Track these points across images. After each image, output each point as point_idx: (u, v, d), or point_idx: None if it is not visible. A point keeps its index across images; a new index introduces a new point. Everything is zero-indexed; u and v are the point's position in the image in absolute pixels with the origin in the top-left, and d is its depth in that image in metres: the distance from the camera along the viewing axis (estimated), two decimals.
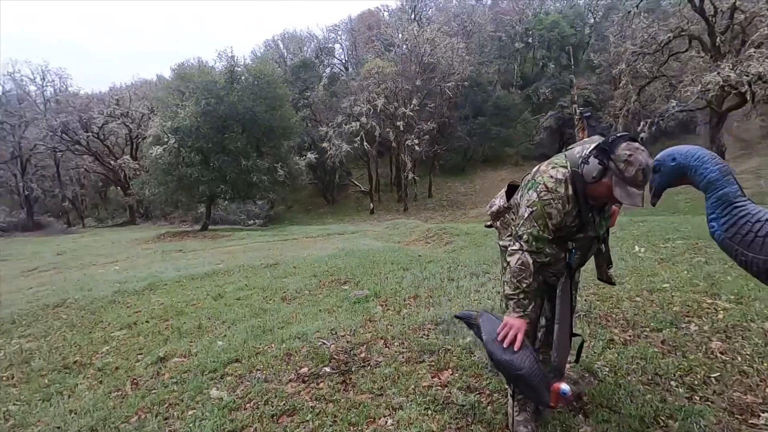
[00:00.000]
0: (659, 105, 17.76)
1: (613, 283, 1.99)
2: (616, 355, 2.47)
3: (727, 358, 2.34)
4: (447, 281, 4.35)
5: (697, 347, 2.48)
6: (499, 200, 1.99)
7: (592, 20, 32.69)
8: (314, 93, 27.15)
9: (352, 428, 2.02)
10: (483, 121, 27.27)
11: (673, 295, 3.29)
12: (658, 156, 1.50)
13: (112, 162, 26.18)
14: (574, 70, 29.53)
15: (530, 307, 1.73)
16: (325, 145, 24.13)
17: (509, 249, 1.75)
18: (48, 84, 29.49)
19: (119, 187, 27.41)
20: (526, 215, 1.69)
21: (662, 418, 1.88)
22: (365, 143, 24.44)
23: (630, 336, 2.71)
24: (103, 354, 3.40)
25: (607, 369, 2.34)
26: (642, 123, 15.85)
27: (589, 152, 1.64)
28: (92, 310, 4.81)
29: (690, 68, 15.42)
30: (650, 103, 18.47)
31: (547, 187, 1.66)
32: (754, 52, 11.68)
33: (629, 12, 17.18)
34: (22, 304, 5.34)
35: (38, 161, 27.34)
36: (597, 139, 1.75)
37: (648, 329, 2.78)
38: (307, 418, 2.12)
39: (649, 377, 2.22)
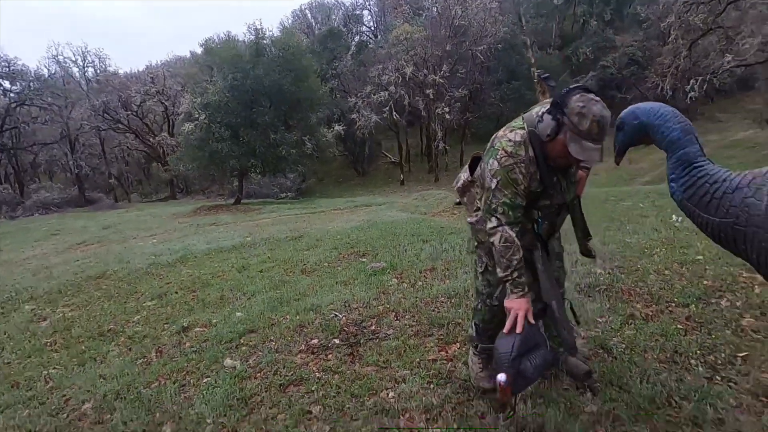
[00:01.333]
0: (713, 60, 16.23)
1: (593, 257, 1.90)
2: (635, 331, 2.36)
3: (759, 337, 2.17)
4: (466, 254, 4.26)
5: (725, 324, 2.32)
6: (463, 174, 1.89)
7: None
8: (342, 63, 26.70)
9: (354, 399, 2.04)
10: (517, 85, 26.04)
11: (706, 269, 3.08)
12: (621, 114, 1.45)
13: (151, 139, 27.22)
14: (619, 26, 27.41)
15: (527, 283, 1.64)
16: (354, 116, 23.92)
17: (488, 229, 1.65)
18: (89, 65, 30.64)
19: (160, 164, 28.58)
20: (493, 186, 1.60)
21: (676, 398, 1.78)
22: (394, 113, 24.00)
23: (653, 311, 2.57)
24: (134, 323, 3.61)
25: (624, 346, 2.23)
26: (692, 81, 14.60)
27: (544, 109, 1.56)
28: (129, 281, 5.09)
29: (750, 17, 13.89)
30: (703, 59, 16.93)
31: (506, 151, 1.58)
32: None
33: None
34: (69, 276, 5.73)
35: (85, 140, 28.74)
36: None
37: (673, 304, 2.62)
38: (313, 389, 2.17)
39: (668, 355, 2.10)
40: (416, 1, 29.11)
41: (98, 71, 30.74)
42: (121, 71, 31.80)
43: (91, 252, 8.08)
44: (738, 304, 2.51)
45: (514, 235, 1.60)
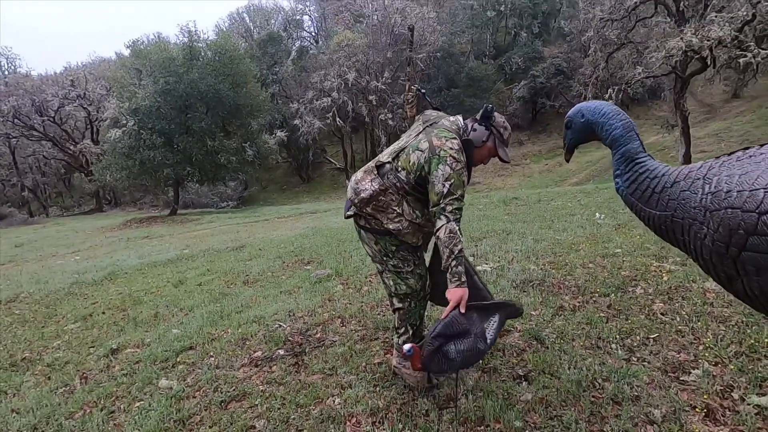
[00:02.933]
0: (627, 72, 17.89)
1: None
2: (564, 321, 2.53)
3: (667, 319, 2.42)
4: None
5: (640, 310, 2.56)
6: (369, 184, 1.90)
7: None
8: (283, 68, 26.23)
9: (299, 410, 2.01)
10: (456, 92, 27.04)
11: (623, 260, 3.38)
12: (569, 113, 1.53)
13: (72, 147, 24.93)
14: (546, 38, 29.45)
15: (464, 274, 1.77)
16: (296, 122, 23.56)
17: (437, 226, 1.75)
18: None
19: (83, 174, 26.22)
20: (445, 190, 1.73)
21: (599, 380, 1.93)
22: (338, 119, 23.95)
23: (579, 302, 2.77)
24: (54, 349, 3.29)
25: (554, 336, 2.39)
26: (610, 90, 15.99)
27: (472, 121, 1.90)
28: (47, 303, 4.63)
29: (656, 34, 15.53)
30: (618, 70, 18.60)
31: (454, 158, 1.76)
32: (716, 17, 11.80)
33: None
34: None
35: None
36: (444, 114, 1.94)
37: (597, 294, 2.85)
38: (256, 403, 2.10)
39: (593, 341, 2.28)
40: (357, 9, 29.34)
41: (7, 73, 27.73)
42: (34, 73, 28.96)
43: (0, 273, 7.23)
44: (650, 291, 2.79)
45: (456, 227, 1.73)
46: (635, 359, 2.09)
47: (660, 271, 3.08)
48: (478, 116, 1.89)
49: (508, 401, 1.87)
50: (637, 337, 2.27)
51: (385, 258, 1.97)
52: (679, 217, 1.24)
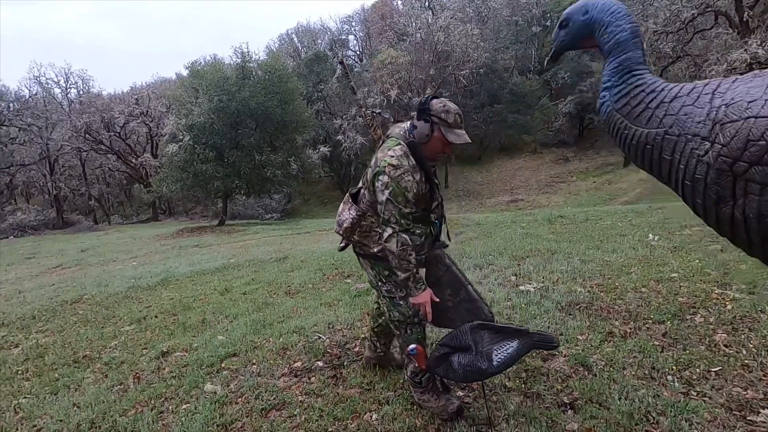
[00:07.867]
0: None
1: (445, 245, 2.05)
2: (614, 348, 2.40)
3: (731, 351, 2.23)
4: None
5: (700, 340, 2.38)
6: (348, 213, 1.93)
7: None
8: (328, 85, 27.14)
9: (337, 423, 2.02)
10: (499, 108, 26.74)
11: (681, 286, 3.16)
12: (569, 8, 1.36)
13: (133, 160, 26.91)
14: (594, 53, 28.62)
15: (423, 277, 1.83)
16: (339, 137, 24.21)
17: (384, 238, 1.76)
18: (71, 86, 30.39)
19: (142, 185, 28.18)
20: (384, 199, 1.73)
21: (653, 414, 1.81)
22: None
23: (631, 328, 2.62)
24: (111, 349, 3.51)
25: (603, 363, 2.27)
26: None
27: (412, 120, 1.84)
28: (107, 305, 4.96)
29: (716, 46, 14.68)
30: None
31: (392, 165, 1.73)
32: None
33: None
34: (43, 301, 5.56)
35: (65, 161, 28.28)
36: (405, 123, 1.90)
37: (650, 321, 2.68)
38: (295, 413, 2.14)
39: (646, 371, 2.14)
40: (400, 27, 29.95)
41: (81, 92, 30.52)
42: (104, 92, 31.72)
43: (67, 276, 7.85)
44: (711, 319, 2.59)
45: (407, 238, 1.74)
46: (694, 393, 1.94)
47: (722, 298, 2.85)
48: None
49: (552, 430, 1.79)
50: (697, 370, 2.10)
51: (379, 284, 1.97)
52: (674, 134, 1.15)
